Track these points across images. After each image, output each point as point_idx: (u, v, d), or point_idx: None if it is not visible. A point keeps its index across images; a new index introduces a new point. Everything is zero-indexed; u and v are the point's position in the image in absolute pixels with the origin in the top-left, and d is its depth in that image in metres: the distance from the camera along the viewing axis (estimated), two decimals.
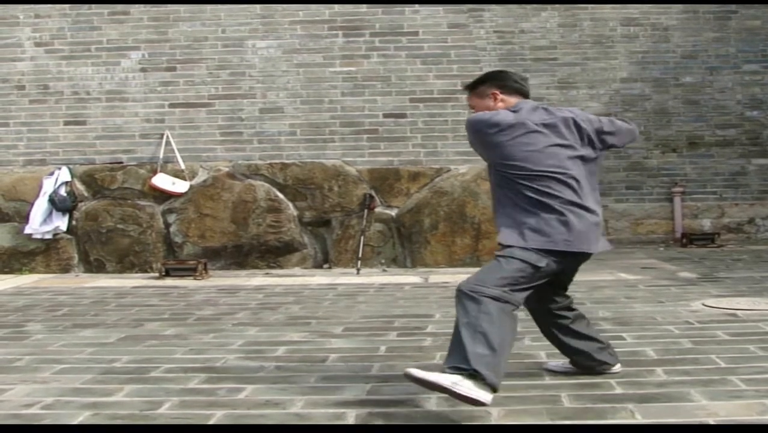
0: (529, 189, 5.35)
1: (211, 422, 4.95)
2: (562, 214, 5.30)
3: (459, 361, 4.86)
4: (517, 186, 5.39)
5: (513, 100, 5.65)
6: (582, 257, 5.52)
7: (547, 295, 5.64)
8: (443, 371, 4.86)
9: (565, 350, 5.84)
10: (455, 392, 4.75)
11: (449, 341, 6.78)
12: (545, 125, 5.46)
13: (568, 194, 5.35)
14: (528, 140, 5.39)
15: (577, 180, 5.41)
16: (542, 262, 5.23)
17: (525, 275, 5.22)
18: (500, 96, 5.67)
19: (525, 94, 5.74)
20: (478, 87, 5.78)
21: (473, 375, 4.78)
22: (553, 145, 5.41)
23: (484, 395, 4.77)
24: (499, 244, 5.47)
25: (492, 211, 5.80)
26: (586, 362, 5.79)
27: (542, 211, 5.31)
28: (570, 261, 5.47)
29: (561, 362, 6.01)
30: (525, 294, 5.28)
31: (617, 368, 5.85)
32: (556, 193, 5.32)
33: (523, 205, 5.37)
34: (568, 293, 5.82)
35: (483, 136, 5.59)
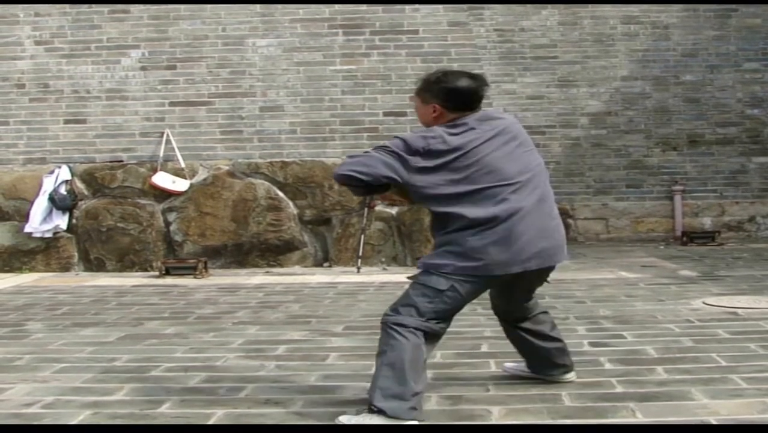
0: None
1: (211, 421, 4.95)
2: None
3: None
4: None
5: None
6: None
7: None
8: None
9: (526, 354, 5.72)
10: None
11: (449, 339, 6.79)
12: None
13: None
14: None
15: None
16: None
17: None
18: (439, 112, 5.16)
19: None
20: (421, 92, 5.27)
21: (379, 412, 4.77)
22: None
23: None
24: None
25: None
26: (546, 370, 5.66)
27: None
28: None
29: (519, 364, 5.83)
30: None
31: (572, 376, 5.67)
32: None
33: None
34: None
35: None
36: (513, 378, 5.83)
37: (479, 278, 4.96)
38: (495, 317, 8.33)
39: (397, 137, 5.04)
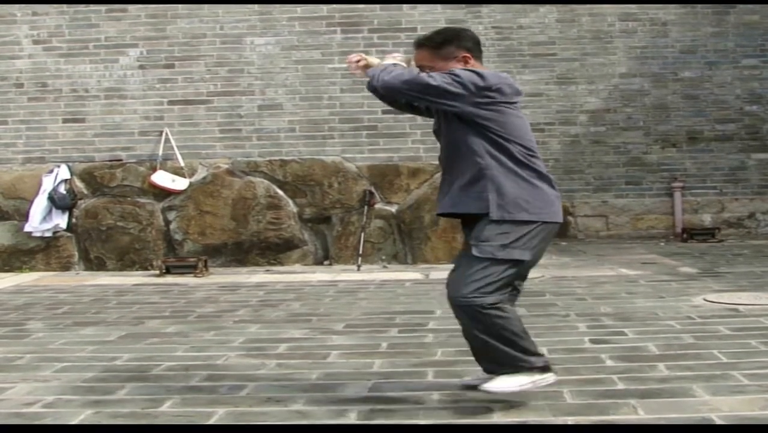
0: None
1: (212, 420, 4.94)
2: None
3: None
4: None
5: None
6: None
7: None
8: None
9: None
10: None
11: (451, 337, 6.79)
12: None
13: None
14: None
15: None
16: None
17: None
18: (472, 62, 5.15)
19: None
20: (442, 47, 5.19)
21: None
22: None
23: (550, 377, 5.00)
24: None
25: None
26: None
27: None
28: None
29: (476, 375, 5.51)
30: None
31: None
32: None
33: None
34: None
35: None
36: None
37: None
38: None
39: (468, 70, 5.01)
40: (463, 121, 4.99)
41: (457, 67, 5.01)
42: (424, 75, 4.99)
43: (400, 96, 5.21)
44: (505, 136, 4.97)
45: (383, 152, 13.33)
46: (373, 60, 5.40)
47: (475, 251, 4.92)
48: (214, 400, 5.39)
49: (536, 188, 4.98)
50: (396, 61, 5.24)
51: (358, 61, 5.49)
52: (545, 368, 5.00)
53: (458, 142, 5.04)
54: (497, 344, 4.90)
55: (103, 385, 5.85)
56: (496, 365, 5.00)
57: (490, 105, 4.94)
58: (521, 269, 5.04)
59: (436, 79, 4.90)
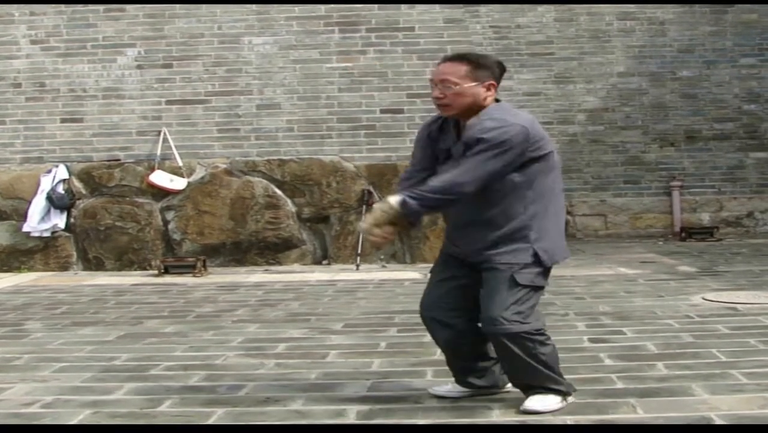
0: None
1: (211, 420, 4.94)
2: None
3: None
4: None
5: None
6: None
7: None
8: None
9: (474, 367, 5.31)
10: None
11: None
12: None
13: None
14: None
15: None
16: None
17: None
18: (494, 91, 5.03)
19: None
20: (481, 68, 4.95)
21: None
22: None
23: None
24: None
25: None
26: (489, 381, 5.32)
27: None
28: None
29: (450, 386, 5.39)
30: None
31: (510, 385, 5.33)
32: None
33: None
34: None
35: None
36: None
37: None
38: None
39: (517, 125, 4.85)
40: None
41: (481, 92, 4.90)
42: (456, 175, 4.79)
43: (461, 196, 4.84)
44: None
45: (381, 152, 13.32)
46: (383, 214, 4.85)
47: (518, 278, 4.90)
48: (212, 400, 5.39)
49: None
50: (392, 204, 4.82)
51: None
52: (569, 393, 5.07)
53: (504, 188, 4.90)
54: (541, 368, 4.93)
55: (101, 385, 5.85)
56: (529, 384, 5.01)
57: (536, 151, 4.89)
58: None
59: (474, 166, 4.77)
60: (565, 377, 5.67)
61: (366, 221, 4.81)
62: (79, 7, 13.91)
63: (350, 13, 13.84)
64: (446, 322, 5.09)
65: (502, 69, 5.07)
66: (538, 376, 4.92)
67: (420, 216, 4.93)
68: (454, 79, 4.83)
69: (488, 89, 4.93)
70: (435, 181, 4.80)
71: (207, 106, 13.66)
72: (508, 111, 4.97)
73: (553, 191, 5.05)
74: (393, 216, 4.74)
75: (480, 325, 4.96)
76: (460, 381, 5.27)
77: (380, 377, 5.86)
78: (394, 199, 4.76)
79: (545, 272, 4.99)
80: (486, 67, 4.92)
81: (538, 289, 4.96)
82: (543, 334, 4.94)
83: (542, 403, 4.91)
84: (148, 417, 5.04)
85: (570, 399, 5.02)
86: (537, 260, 4.92)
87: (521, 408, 4.91)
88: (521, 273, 4.87)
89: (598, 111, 18.10)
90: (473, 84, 4.84)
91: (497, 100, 5.01)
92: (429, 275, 5.34)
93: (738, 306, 8.49)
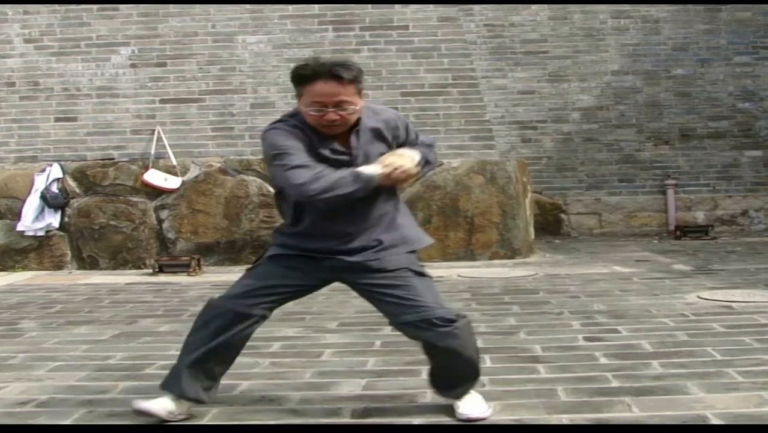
0: None
1: (205, 420, 4.93)
2: None
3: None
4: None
5: None
6: None
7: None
8: None
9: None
10: None
11: None
12: None
13: None
14: None
15: None
16: None
17: None
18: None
19: None
20: (361, 81, 4.73)
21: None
22: None
23: None
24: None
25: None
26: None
27: None
28: None
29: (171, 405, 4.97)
30: None
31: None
32: None
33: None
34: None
35: None
36: (509, 373, 5.83)
37: None
38: (489, 312, 8.35)
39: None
40: None
41: (363, 103, 4.74)
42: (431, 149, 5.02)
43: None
44: None
45: None
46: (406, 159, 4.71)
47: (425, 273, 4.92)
48: None
49: None
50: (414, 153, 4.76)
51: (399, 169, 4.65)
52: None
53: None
54: (474, 357, 4.98)
55: (96, 384, 5.84)
56: (464, 384, 4.98)
57: None
58: None
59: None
60: (561, 375, 5.71)
61: (408, 161, 4.62)
62: (73, 5, 13.94)
63: (344, 11, 13.87)
64: (252, 313, 4.93)
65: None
66: (474, 367, 4.97)
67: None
68: (351, 99, 4.61)
69: (363, 97, 4.78)
70: (426, 151, 4.91)
71: (201, 105, 13.66)
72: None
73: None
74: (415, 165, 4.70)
75: (416, 330, 4.81)
76: (192, 395, 4.91)
77: (375, 375, 5.85)
78: (417, 153, 4.73)
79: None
80: (362, 79, 4.72)
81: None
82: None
83: (473, 408, 4.88)
84: (143, 416, 5.03)
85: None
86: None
87: (459, 416, 4.86)
88: (420, 266, 4.93)
89: (592, 109, 18.11)
90: (360, 99, 4.69)
91: None
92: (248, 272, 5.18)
93: (733, 304, 8.49)
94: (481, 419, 4.82)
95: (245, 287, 5.02)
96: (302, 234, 4.88)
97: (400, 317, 4.80)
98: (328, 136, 4.71)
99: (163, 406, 4.87)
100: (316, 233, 4.84)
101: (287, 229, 4.99)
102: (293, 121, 4.75)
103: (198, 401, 4.91)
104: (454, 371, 4.92)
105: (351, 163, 4.70)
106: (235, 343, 4.91)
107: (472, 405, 4.89)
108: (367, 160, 4.69)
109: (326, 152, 4.70)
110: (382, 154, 4.71)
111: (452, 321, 4.78)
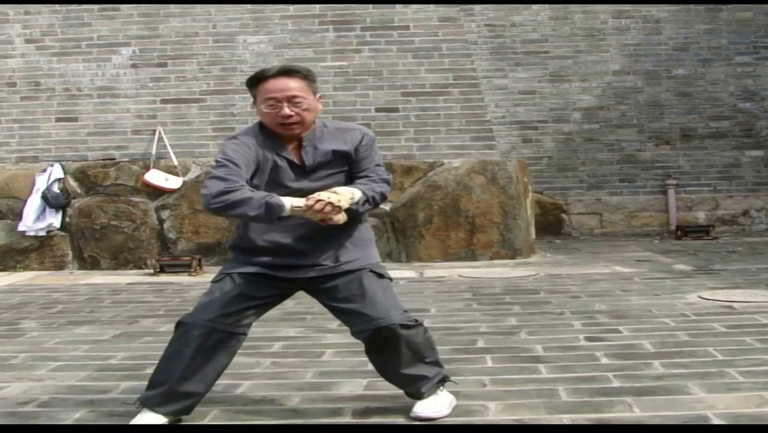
0: None
1: (207, 419, 4.94)
2: None
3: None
4: None
5: None
6: None
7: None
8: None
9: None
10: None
11: (445, 335, 6.80)
12: None
13: None
14: None
15: None
16: None
17: None
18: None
19: None
20: (314, 81, 4.90)
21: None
22: None
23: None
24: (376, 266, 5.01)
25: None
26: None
27: None
28: None
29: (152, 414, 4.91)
30: None
31: None
32: None
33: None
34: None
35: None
36: (509, 373, 5.83)
37: None
38: (490, 312, 8.35)
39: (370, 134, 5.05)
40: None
41: (319, 106, 4.89)
42: (381, 185, 4.88)
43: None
44: None
45: None
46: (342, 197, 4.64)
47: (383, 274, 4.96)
48: (208, 399, 5.36)
49: None
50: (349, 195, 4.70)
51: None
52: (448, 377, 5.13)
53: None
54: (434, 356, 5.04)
55: (97, 384, 5.84)
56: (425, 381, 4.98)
57: None
58: None
59: (387, 182, 4.96)
60: (562, 376, 5.70)
61: (338, 197, 4.56)
62: (74, 6, 13.95)
63: (345, 11, 13.87)
64: (232, 332, 4.92)
65: None
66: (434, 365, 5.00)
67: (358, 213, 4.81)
68: (302, 94, 4.72)
69: (319, 101, 4.89)
70: (375, 187, 4.82)
71: (202, 105, 13.67)
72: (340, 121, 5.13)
73: None
74: (349, 204, 4.65)
75: (374, 331, 4.84)
76: (173, 409, 4.84)
77: (376, 375, 5.82)
78: (357, 193, 4.69)
79: None
80: (315, 80, 4.84)
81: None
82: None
83: (434, 408, 4.88)
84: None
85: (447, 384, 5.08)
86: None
87: (412, 415, 4.86)
88: (381, 267, 4.99)
89: (593, 109, 18.11)
90: (313, 98, 4.79)
91: None
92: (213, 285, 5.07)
93: (734, 305, 8.48)
94: (431, 418, 4.83)
95: (214, 302, 4.97)
96: (249, 249, 4.95)
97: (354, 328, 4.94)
98: (284, 143, 4.77)
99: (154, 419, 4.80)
100: (259, 247, 4.90)
101: (238, 242, 5.05)
102: (253, 131, 4.80)
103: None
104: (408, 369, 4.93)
105: (304, 174, 4.77)
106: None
107: (427, 405, 4.90)
108: (320, 173, 4.79)
109: (279, 161, 4.76)
110: (337, 172, 4.82)
111: (410, 326, 4.82)
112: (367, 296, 4.81)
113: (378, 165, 4.94)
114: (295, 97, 4.68)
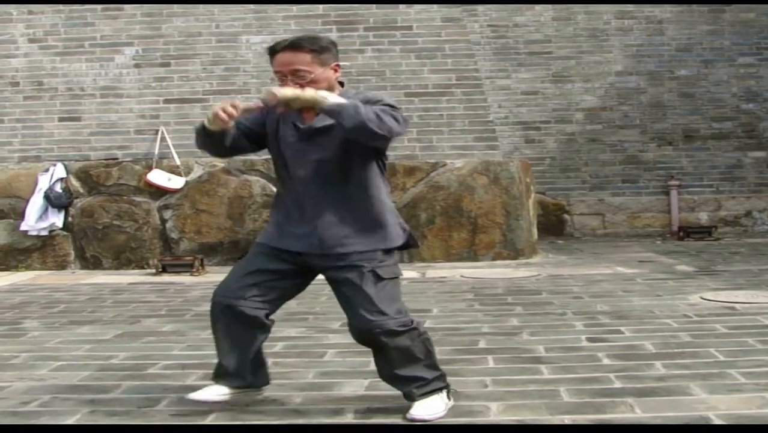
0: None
1: (208, 420, 4.93)
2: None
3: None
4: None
5: None
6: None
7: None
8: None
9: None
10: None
11: (447, 335, 6.80)
12: None
13: None
14: None
15: None
16: None
17: None
18: (339, 71, 4.93)
19: None
20: (324, 52, 4.82)
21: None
22: None
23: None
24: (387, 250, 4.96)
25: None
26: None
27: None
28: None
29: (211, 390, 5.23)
30: None
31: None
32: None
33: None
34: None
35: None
36: (511, 374, 5.83)
37: None
38: (492, 312, 8.35)
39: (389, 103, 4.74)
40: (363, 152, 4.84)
41: (332, 75, 4.83)
42: (385, 114, 4.60)
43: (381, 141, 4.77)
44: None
45: None
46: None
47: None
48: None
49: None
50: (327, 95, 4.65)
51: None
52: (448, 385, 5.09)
53: (347, 171, 4.84)
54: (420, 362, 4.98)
55: (99, 384, 5.84)
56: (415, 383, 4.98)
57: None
58: None
59: (394, 118, 4.63)
60: (564, 376, 5.70)
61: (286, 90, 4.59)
62: (77, 6, 13.96)
63: (348, 12, 13.87)
64: (249, 314, 5.06)
65: (337, 47, 4.97)
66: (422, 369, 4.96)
67: (345, 122, 4.57)
68: (305, 67, 4.71)
69: (335, 71, 4.87)
70: (373, 108, 4.61)
71: (205, 105, 13.63)
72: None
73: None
74: (315, 104, 4.59)
75: (358, 335, 4.95)
76: (229, 381, 5.14)
77: (378, 376, 5.84)
78: (335, 96, 4.63)
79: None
80: (326, 50, 4.82)
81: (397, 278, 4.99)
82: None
83: (429, 410, 4.87)
84: (146, 416, 5.04)
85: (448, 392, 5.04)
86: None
87: (408, 416, 4.86)
88: (384, 262, 4.93)
89: (596, 110, 18.11)
90: (323, 69, 4.76)
91: (341, 84, 4.94)
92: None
93: (736, 306, 8.48)
94: (426, 420, 4.82)
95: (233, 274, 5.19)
96: (274, 221, 5.08)
97: (350, 320, 4.93)
98: (302, 111, 4.81)
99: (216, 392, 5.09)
100: (272, 221, 5.07)
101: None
102: None
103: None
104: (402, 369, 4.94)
105: (303, 137, 4.84)
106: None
107: (422, 406, 4.90)
108: (318, 138, 4.83)
109: (283, 123, 4.93)
110: (339, 137, 4.75)
111: (396, 333, 4.82)
112: (358, 297, 4.81)
113: (388, 104, 4.70)
114: (297, 71, 4.71)
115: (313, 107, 4.62)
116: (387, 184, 5.05)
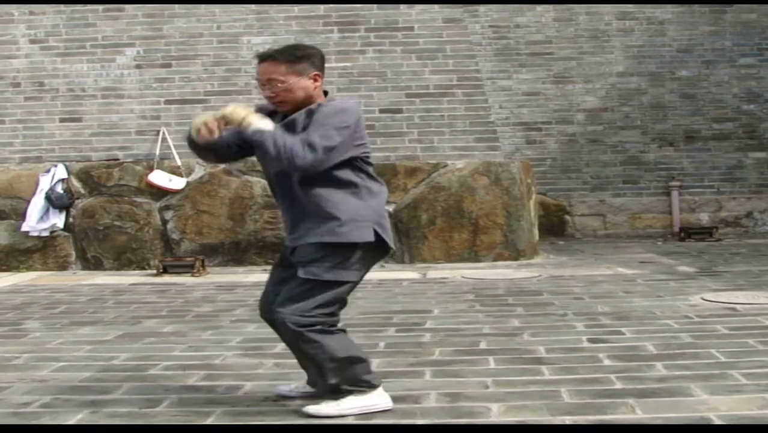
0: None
1: (209, 420, 4.93)
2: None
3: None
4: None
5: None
6: None
7: None
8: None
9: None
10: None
11: (448, 336, 6.80)
12: None
13: None
14: None
15: None
16: None
17: None
18: (320, 81, 5.02)
19: None
20: (300, 62, 4.94)
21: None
22: None
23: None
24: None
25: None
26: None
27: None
28: None
29: (293, 385, 5.48)
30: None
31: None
32: None
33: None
34: None
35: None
36: (512, 375, 5.83)
37: None
38: (493, 313, 8.34)
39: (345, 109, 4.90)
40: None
41: (309, 84, 4.93)
42: (308, 141, 4.71)
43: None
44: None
45: (380, 151, 13.28)
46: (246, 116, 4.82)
47: None
48: (211, 400, 5.39)
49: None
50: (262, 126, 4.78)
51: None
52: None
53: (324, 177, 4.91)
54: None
55: (100, 385, 5.84)
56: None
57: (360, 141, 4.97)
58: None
59: (311, 148, 4.69)
60: (565, 377, 5.69)
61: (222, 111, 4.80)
62: (79, 6, 13.96)
63: (349, 12, 13.87)
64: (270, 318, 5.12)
65: (322, 58, 5.11)
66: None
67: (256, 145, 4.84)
68: (279, 77, 4.88)
69: (314, 80, 4.97)
70: (289, 139, 4.72)
71: (206, 106, 13.61)
72: (343, 99, 5.12)
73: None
74: (241, 124, 4.77)
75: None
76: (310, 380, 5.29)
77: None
78: (264, 123, 4.77)
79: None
80: (303, 60, 4.95)
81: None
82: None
83: (320, 408, 4.99)
84: (147, 417, 5.04)
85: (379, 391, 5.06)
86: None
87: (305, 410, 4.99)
88: (319, 257, 4.94)
89: (597, 111, 18.11)
90: (298, 78, 4.90)
91: (325, 93, 5.06)
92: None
93: (737, 306, 8.48)
94: (312, 415, 4.94)
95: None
96: None
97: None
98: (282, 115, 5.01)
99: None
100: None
101: None
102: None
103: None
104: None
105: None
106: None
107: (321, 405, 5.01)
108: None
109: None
110: None
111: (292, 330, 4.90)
112: (285, 285, 5.00)
113: (320, 132, 4.76)
114: (271, 80, 4.90)
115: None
116: (374, 184, 5.04)
